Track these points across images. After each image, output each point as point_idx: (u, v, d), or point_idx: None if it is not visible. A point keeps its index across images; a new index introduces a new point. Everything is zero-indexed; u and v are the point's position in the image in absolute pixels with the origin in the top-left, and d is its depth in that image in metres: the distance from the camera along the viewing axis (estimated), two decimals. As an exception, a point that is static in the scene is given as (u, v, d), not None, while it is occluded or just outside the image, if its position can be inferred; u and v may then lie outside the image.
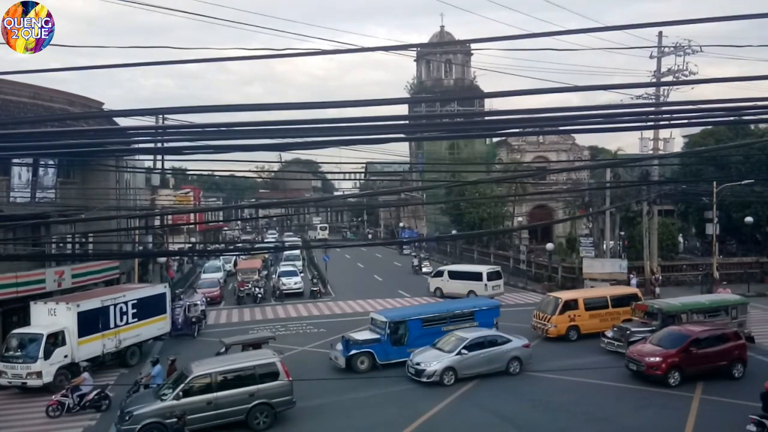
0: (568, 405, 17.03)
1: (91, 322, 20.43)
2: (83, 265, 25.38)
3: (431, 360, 19.00)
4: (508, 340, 20.00)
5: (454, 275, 36.39)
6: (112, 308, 21.40)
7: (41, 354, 18.70)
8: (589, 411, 16.55)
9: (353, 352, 20.45)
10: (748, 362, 19.19)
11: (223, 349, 19.52)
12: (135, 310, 22.35)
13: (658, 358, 18.33)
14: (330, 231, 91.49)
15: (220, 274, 41.79)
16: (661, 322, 21.58)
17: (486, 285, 34.07)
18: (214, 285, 36.92)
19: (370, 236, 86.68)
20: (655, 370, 18.25)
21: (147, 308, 23.06)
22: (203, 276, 41.01)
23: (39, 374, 18.55)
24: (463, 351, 19.01)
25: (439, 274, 37.57)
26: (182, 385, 15.33)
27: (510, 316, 27.12)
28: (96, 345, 20.69)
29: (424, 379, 18.66)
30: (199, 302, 27.88)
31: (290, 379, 16.34)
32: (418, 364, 19.08)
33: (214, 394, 15.47)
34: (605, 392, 18.08)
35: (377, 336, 21.09)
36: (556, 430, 15.53)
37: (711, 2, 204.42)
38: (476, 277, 34.87)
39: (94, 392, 17.36)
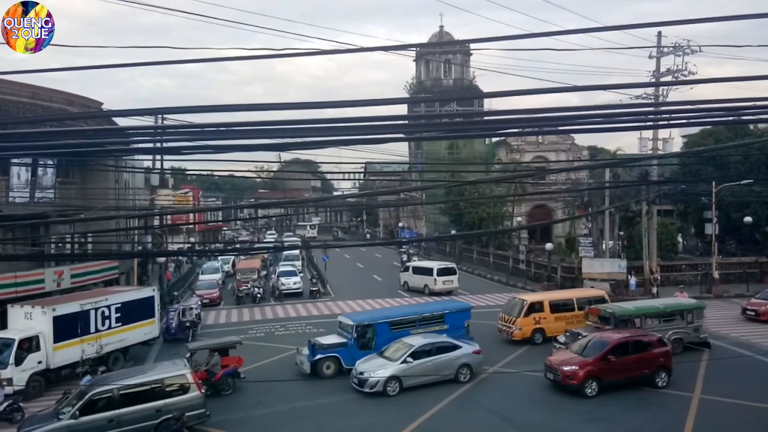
0: (568, 405, 17.04)
1: (68, 327, 19.72)
2: (82, 265, 25.38)
3: (375, 369, 18.21)
4: (458, 347, 19.21)
5: (416, 270, 39.20)
6: (92, 312, 20.64)
7: (12, 360, 18.01)
8: (588, 411, 16.56)
9: (318, 356, 19.94)
10: (672, 370, 18.35)
11: (188, 355, 18.79)
12: (119, 315, 21.62)
13: (574, 367, 17.63)
14: (321, 230, 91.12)
15: (218, 276, 41.17)
16: (613, 326, 20.83)
17: (435, 280, 36.71)
18: (213, 287, 36.51)
19: (368, 236, 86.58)
20: (570, 380, 17.50)
21: (132, 312, 22.28)
22: (201, 277, 40.51)
23: (10, 381, 17.71)
24: (409, 359, 18.24)
25: (407, 269, 40.47)
26: (80, 403, 14.27)
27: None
28: (74, 350, 19.92)
29: (367, 389, 17.87)
30: (194, 306, 27.24)
31: (202, 391, 15.68)
32: (361, 373, 18.25)
33: (116, 411, 14.49)
34: (605, 392, 18.07)
35: (344, 340, 20.61)
36: (556, 430, 15.54)
37: (711, 2, 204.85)
38: (429, 272, 37.43)
39: (6, 403, 16.40)
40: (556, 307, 24.43)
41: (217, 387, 18.31)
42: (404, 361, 18.25)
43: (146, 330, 23.14)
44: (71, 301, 20.85)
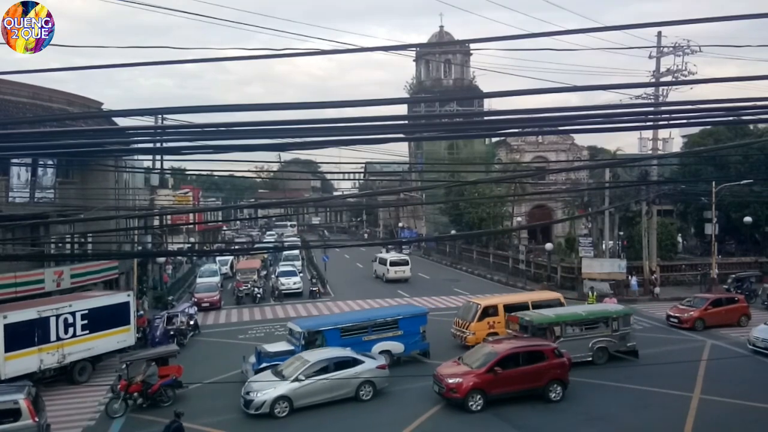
0: (567, 404, 17.04)
1: (23, 335, 18.51)
2: (82, 265, 25.37)
3: (264, 388, 16.78)
4: (360, 362, 17.87)
5: (380, 261, 45.31)
6: (53, 320, 19.31)
7: None
8: (588, 411, 16.57)
9: (264, 365, 19.00)
10: (568, 383, 17.48)
11: (124, 366, 17.83)
12: (85, 322, 20.26)
13: (458, 380, 16.67)
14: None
15: (216, 279, 39.47)
16: (531, 335, 20.10)
17: (389, 269, 43.15)
18: (212, 289, 35.10)
19: (366, 236, 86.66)
20: (454, 393, 16.56)
21: (103, 319, 20.94)
22: (199, 280, 38.98)
23: None
24: (301, 377, 16.88)
25: (374, 260, 46.43)
26: None
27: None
28: (30, 360, 18.61)
29: (252, 411, 16.43)
30: (181, 312, 25.65)
31: (36, 420, 13.98)
32: (247, 392, 16.82)
33: None
34: (605, 392, 18.09)
35: (291, 347, 19.85)
36: (556, 430, 15.54)
37: (710, 2, 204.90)
38: (385, 263, 43.77)
39: None
40: (511, 310, 23.11)
41: (155, 399, 17.31)
42: (296, 379, 16.85)
43: (120, 338, 21.62)
44: (30, 307, 19.65)
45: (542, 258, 42.18)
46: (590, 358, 20.37)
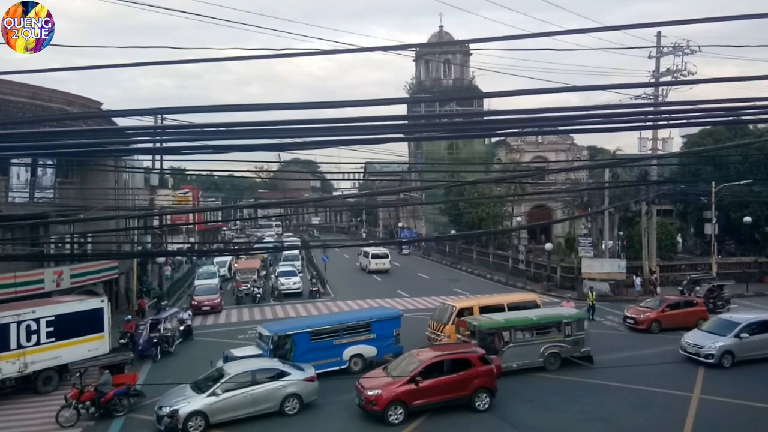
0: (567, 405, 17.04)
1: None
2: (82, 265, 25.33)
3: (177, 403, 15.66)
4: (285, 374, 16.90)
5: (364, 254, 50.59)
6: (13, 327, 18.37)
7: None
8: (588, 411, 16.57)
9: None
10: (496, 391, 16.92)
11: (77, 374, 17.19)
12: (51, 329, 19.23)
13: (377, 391, 15.90)
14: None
15: (215, 280, 38.30)
16: (478, 340, 19.45)
17: (370, 261, 48.47)
18: (213, 292, 33.85)
19: (364, 236, 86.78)
20: (373, 405, 15.81)
21: (72, 326, 19.85)
22: (197, 282, 37.62)
23: None
24: (218, 391, 15.82)
25: (359, 253, 51.98)
26: None
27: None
28: None
29: (162, 428, 15.47)
30: (164, 319, 24.02)
31: None
32: (159, 407, 15.78)
33: None
34: (604, 392, 18.09)
35: (259, 352, 19.37)
36: (555, 430, 15.54)
37: (710, 2, 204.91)
38: (367, 255, 49.19)
39: None
40: (487, 312, 22.48)
41: (108, 408, 16.68)
42: (212, 393, 15.77)
43: (91, 346, 20.34)
44: None
45: (542, 258, 42.20)
46: (541, 364, 19.83)
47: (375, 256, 48.74)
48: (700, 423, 15.43)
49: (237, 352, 19.71)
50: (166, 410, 15.44)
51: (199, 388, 16.24)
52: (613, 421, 15.90)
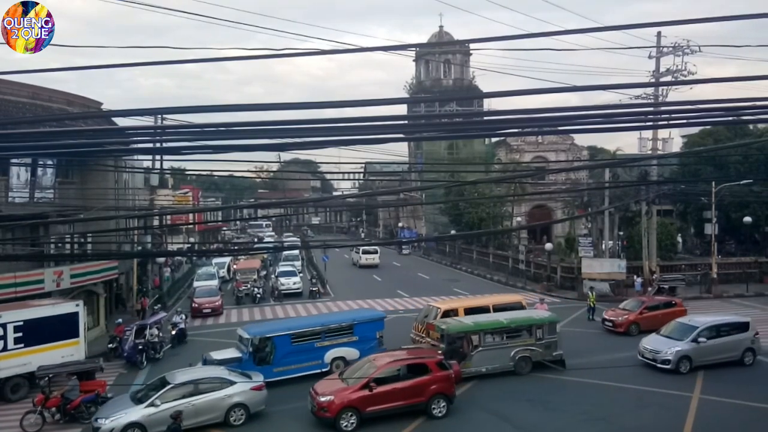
0: (567, 405, 17.05)
1: None
2: (82, 265, 25.30)
3: (113, 414, 15.04)
4: (231, 383, 16.23)
5: (355, 250, 54.12)
6: None
7: None
8: (588, 411, 16.57)
9: None
10: (454, 397, 16.56)
11: (45, 379, 16.83)
12: (20, 335, 18.54)
13: (329, 397, 15.57)
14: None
15: (215, 282, 37.60)
16: (447, 344, 19.08)
17: (360, 257, 52.23)
18: (213, 294, 33.02)
19: (362, 235, 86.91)
20: (325, 412, 15.46)
21: (43, 332, 19.13)
22: (196, 284, 36.84)
23: None
24: (157, 402, 15.14)
25: (352, 249, 54.88)
26: None
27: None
28: None
29: None
30: (151, 324, 23.12)
31: None
32: (96, 419, 15.14)
33: None
34: (604, 392, 18.09)
35: (238, 355, 19.04)
36: (555, 430, 15.55)
37: (710, 2, 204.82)
38: (358, 251, 52.69)
39: None
40: (472, 313, 22.28)
41: (74, 415, 16.30)
42: (152, 404, 15.10)
43: (65, 352, 19.50)
44: None
45: (542, 258, 42.20)
46: (512, 368, 19.51)
47: (365, 252, 51.99)
48: (700, 423, 15.44)
49: (216, 354, 19.36)
50: (103, 422, 14.74)
51: (139, 398, 15.63)
52: (613, 421, 15.91)
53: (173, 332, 25.10)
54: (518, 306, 24.05)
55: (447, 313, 22.52)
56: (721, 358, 19.90)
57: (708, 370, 19.77)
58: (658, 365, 19.66)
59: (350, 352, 20.22)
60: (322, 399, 15.64)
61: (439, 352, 18.60)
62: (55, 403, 16.27)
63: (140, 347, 22.03)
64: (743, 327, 20.74)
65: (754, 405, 16.67)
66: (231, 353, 19.44)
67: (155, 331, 22.91)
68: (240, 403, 16.08)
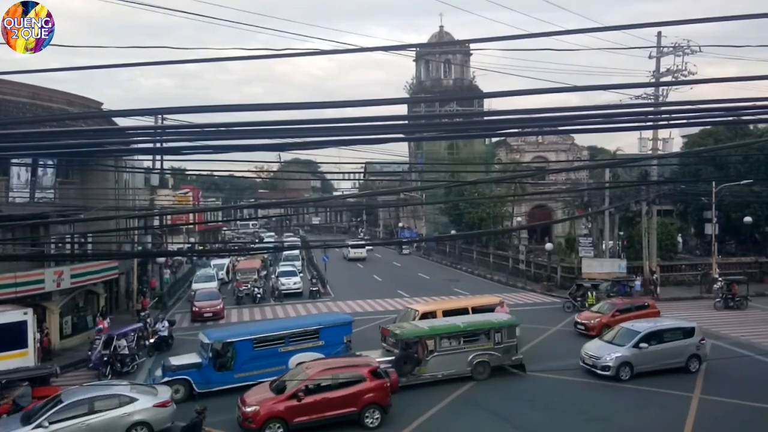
0: (567, 405, 17.04)
1: None
2: (82, 265, 25.31)
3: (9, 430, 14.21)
4: (131, 400, 15.00)
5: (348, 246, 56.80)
6: None
7: None
8: (588, 411, 16.57)
9: (166, 379, 17.76)
10: (390, 406, 15.91)
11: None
12: None
13: (254, 407, 14.96)
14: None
15: (214, 284, 36.59)
16: (401, 350, 18.46)
17: (350, 250, 57.44)
18: (214, 297, 31.57)
19: (361, 235, 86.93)
20: (250, 423, 14.80)
21: None
22: (196, 286, 35.71)
23: None
24: (45, 423, 13.92)
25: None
26: None
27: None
28: None
29: None
30: (119, 335, 21.45)
31: None
32: None
33: None
34: (605, 392, 18.09)
35: (198, 360, 18.52)
36: (555, 430, 15.54)
37: (710, 2, 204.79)
38: (347, 246, 55.71)
39: None
40: (450, 315, 21.88)
41: None
42: (39, 425, 13.94)
43: (11, 363, 18.35)
44: None
45: (542, 258, 42.20)
46: (469, 374, 19.01)
47: (353, 246, 56.36)
48: (700, 423, 15.43)
49: (175, 360, 18.93)
50: None
51: (28, 418, 14.39)
52: (613, 421, 15.90)
53: (152, 340, 23.93)
54: (498, 307, 23.65)
55: (425, 315, 22.13)
56: (665, 365, 19.21)
57: (708, 370, 19.77)
58: (598, 372, 19.03)
59: (316, 358, 19.22)
60: (248, 409, 14.99)
61: (392, 357, 18.31)
62: (5, 410, 15.66)
63: (105, 358, 20.69)
64: (688, 332, 20.07)
65: (754, 405, 16.66)
66: (191, 358, 18.91)
67: (123, 343, 21.35)
68: (142, 421, 14.93)
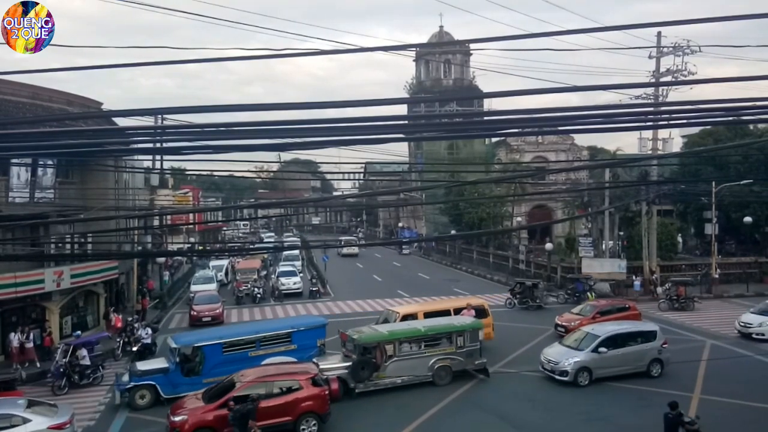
0: (567, 405, 17.05)
1: None
2: (82, 265, 25.30)
3: None
4: (24, 421, 13.87)
5: (341, 243, 60.10)
6: None
7: None
8: (588, 411, 16.57)
9: (131, 384, 17.47)
10: (328, 415, 15.52)
11: None
12: None
13: (182, 417, 14.46)
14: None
15: (213, 286, 35.87)
16: (358, 355, 17.91)
17: (342, 248, 59.11)
18: (214, 300, 30.31)
19: (360, 235, 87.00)
20: None
21: None
22: (195, 288, 34.95)
23: None
24: None
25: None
26: None
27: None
28: None
29: None
30: (72, 345, 20.17)
31: None
32: None
33: None
34: (605, 392, 18.08)
35: (166, 365, 18.16)
36: (555, 430, 15.55)
37: (710, 2, 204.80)
38: (340, 242, 59.42)
39: None
40: (432, 317, 21.55)
41: None
42: None
43: None
44: None
45: (542, 258, 42.20)
46: (430, 379, 18.60)
47: (346, 243, 59.69)
48: (700, 423, 15.41)
49: (142, 365, 18.59)
50: None
51: None
52: (613, 421, 15.91)
53: (134, 348, 22.84)
54: (480, 309, 23.22)
55: (406, 318, 21.72)
56: (625, 370, 18.84)
57: (708, 370, 19.76)
58: (556, 377, 18.66)
59: (287, 361, 18.91)
60: (176, 419, 14.47)
61: (349, 363, 17.90)
62: None
63: (61, 369, 19.38)
64: (650, 336, 19.67)
65: (754, 405, 16.66)
66: (159, 363, 18.58)
67: (83, 353, 19.97)
68: None
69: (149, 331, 23.88)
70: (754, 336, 23.60)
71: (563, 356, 18.97)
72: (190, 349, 18.40)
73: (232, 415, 13.88)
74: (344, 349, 19.16)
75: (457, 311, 22.52)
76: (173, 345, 18.60)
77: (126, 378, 17.95)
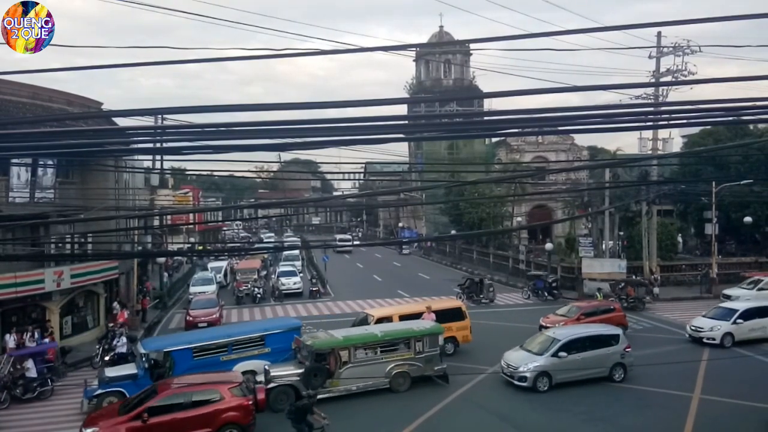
0: (567, 405, 17.04)
1: None
2: (82, 265, 25.29)
3: None
4: None
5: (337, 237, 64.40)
6: None
7: None
8: (588, 411, 16.56)
9: (99, 391, 17.06)
10: (252, 426, 14.89)
11: None
12: None
13: (94, 429, 13.94)
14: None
15: (213, 287, 35.38)
16: (311, 361, 17.37)
17: (337, 244, 60.72)
18: (212, 305, 29.32)
19: (360, 235, 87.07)
20: None
21: None
22: (193, 290, 34.52)
23: None
24: None
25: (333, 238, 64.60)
26: None
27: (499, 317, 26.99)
28: None
29: None
30: (14, 355, 19.07)
31: None
32: None
33: None
34: (605, 392, 18.07)
35: (134, 371, 17.76)
36: (555, 430, 15.54)
37: (710, 2, 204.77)
38: (334, 240, 62.50)
39: None
40: (407, 320, 21.06)
41: None
42: None
43: None
44: None
45: (542, 258, 42.19)
46: (387, 385, 17.99)
47: (342, 240, 63.02)
48: (700, 423, 15.43)
49: (110, 372, 18.24)
50: None
51: None
52: (613, 421, 15.90)
53: (107, 358, 21.60)
54: (457, 311, 22.95)
55: (380, 320, 21.23)
56: (586, 375, 18.33)
57: (709, 370, 19.75)
58: (515, 382, 18.17)
59: (261, 366, 18.42)
60: (88, 430, 13.84)
61: (302, 369, 17.39)
62: None
63: (3, 381, 18.03)
64: (612, 340, 19.16)
65: (754, 405, 16.65)
66: (128, 369, 18.23)
67: (29, 364, 18.65)
68: None
69: (124, 340, 22.33)
70: (704, 340, 22.96)
71: (523, 361, 18.43)
72: (161, 355, 17.98)
73: (289, 410, 14.17)
74: (299, 356, 18.49)
75: (437, 312, 21.90)
76: (142, 350, 18.21)
77: (95, 384, 17.55)
